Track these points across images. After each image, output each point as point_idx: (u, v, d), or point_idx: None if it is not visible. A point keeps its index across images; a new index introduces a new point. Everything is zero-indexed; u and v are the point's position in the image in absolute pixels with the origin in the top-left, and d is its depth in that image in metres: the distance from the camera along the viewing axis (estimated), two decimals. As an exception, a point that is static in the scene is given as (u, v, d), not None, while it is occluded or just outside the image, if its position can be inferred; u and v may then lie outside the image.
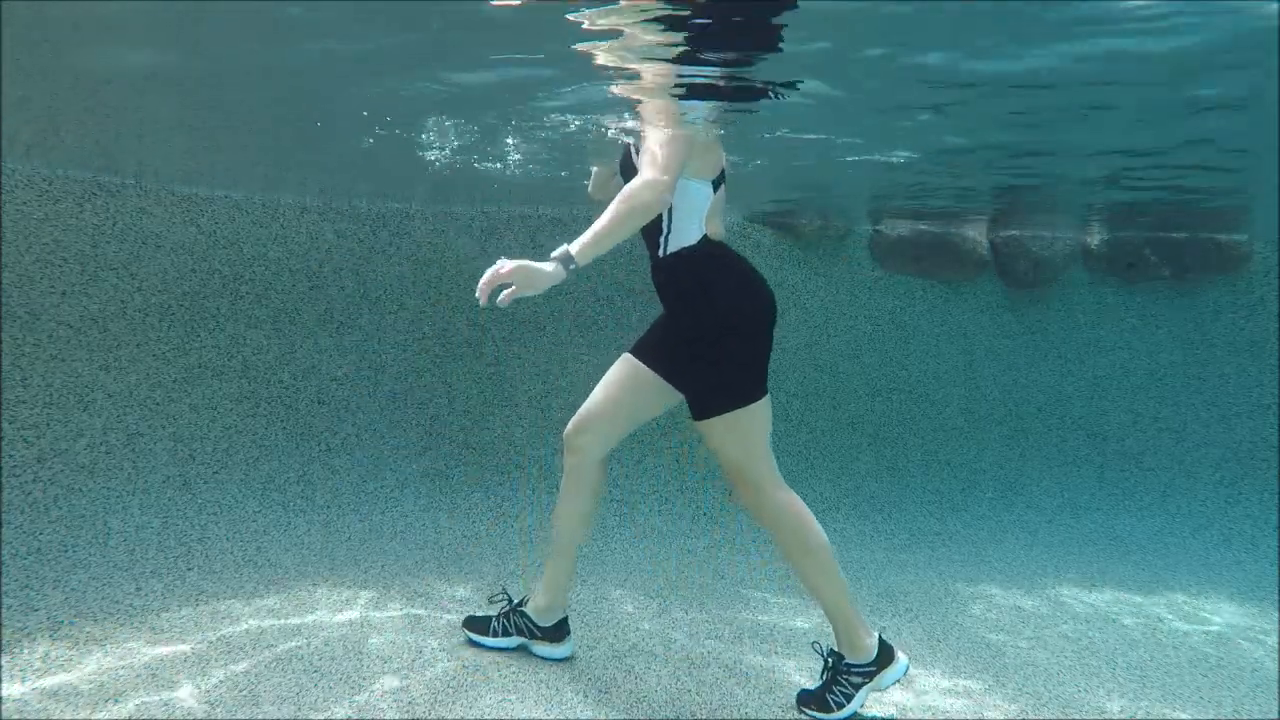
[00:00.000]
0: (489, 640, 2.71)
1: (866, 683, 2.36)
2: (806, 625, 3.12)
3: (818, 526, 2.32)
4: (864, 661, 2.35)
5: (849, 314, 5.08)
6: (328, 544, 3.62)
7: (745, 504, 2.37)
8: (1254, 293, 5.08)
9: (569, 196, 4.58)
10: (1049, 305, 5.22)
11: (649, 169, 2.08)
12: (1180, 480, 4.98)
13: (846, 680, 2.36)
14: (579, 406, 2.53)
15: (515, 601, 2.74)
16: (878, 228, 5.13)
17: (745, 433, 2.29)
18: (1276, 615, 3.58)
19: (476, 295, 2.02)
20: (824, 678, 2.41)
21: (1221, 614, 3.57)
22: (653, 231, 2.34)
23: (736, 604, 3.30)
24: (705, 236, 2.31)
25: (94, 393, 3.65)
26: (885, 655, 2.36)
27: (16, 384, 3.46)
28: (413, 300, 4.65)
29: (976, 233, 5.16)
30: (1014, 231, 5.13)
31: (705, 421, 2.30)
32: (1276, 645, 3.27)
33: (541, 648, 2.67)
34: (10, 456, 3.36)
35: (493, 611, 2.91)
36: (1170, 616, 3.51)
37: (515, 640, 2.70)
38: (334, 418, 4.34)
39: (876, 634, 2.39)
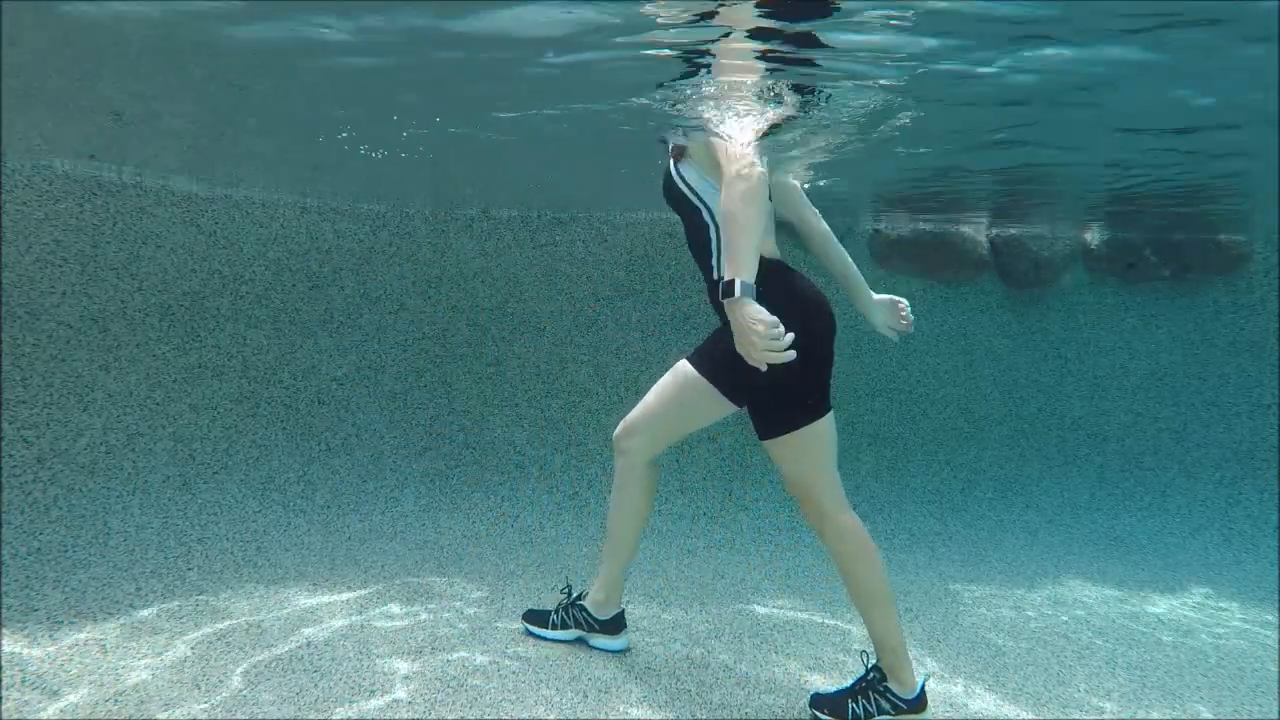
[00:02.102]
0: (548, 633, 2.80)
1: (891, 715, 2.30)
2: (806, 625, 3.12)
3: (877, 554, 2.29)
4: (903, 695, 2.30)
5: (849, 314, 5.07)
6: (328, 544, 3.62)
7: (809, 522, 2.34)
8: (1254, 293, 5.08)
9: (570, 204, 4.59)
10: (1049, 305, 5.22)
11: (728, 164, 2.03)
12: (1180, 480, 4.98)
13: (877, 698, 2.31)
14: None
15: (574, 596, 2.81)
16: (878, 228, 5.13)
17: (809, 452, 2.26)
18: (1276, 615, 3.58)
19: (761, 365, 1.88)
20: (854, 684, 2.36)
21: (1221, 614, 3.57)
22: (703, 254, 2.32)
23: (736, 604, 3.30)
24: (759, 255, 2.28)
25: (94, 393, 3.65)
26: (920, 702, 2.32)
27: (16, 384, 3.46)
28: (413, 300, 4.65)
29: (976, 233, 5.16)
30: (1014, 231, 5.13)
31: (770, 441, 2.28)
32: (1276, 645, 3.27)
33: (599, 640, 2.76)
34: (10, 456, 3.36)
35: (550, 606, 2.97)
36: (1170, 616, 3.51)
37: (574, 633, 2.78)
38: (334, 418, 4.34)
39: (921, 679, 2.35)
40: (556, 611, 2.80)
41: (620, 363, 4.75)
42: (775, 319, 1.87)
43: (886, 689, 2.31)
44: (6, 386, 3.43)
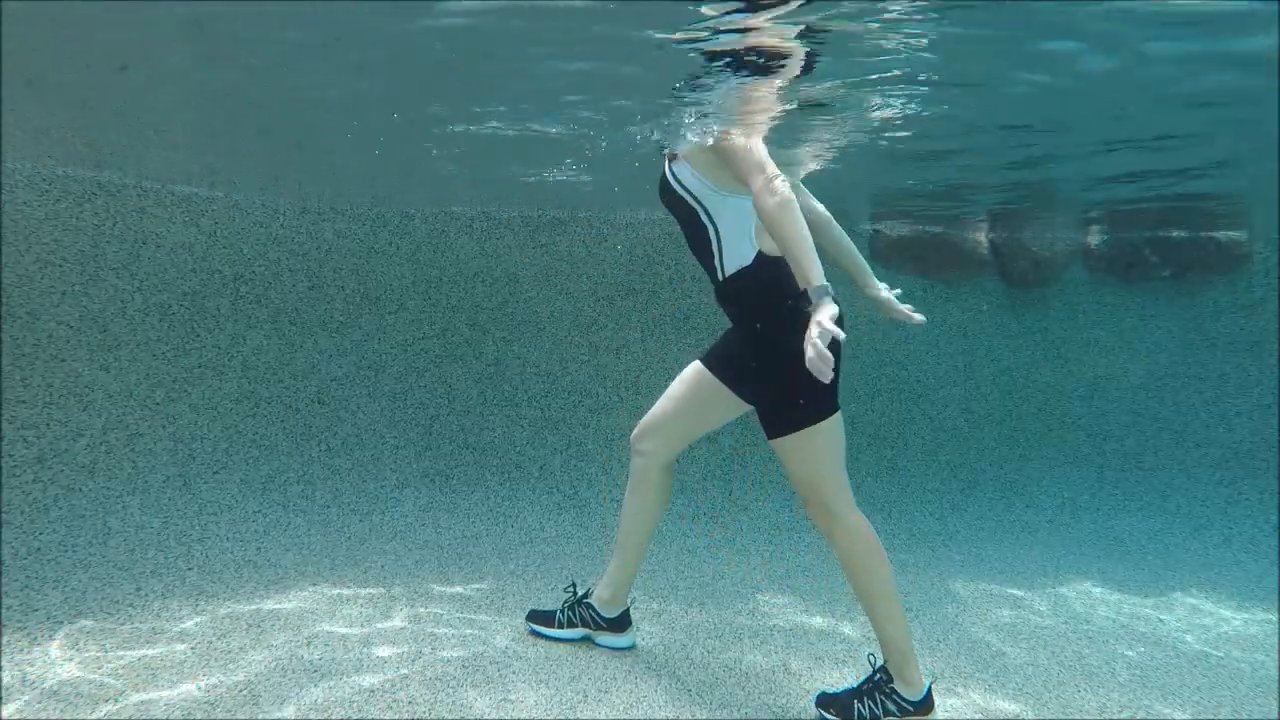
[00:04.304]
0: (554, 631, 2.80)
1: (897, 716, 2.30)
2: (806, 625, 3.12)
3: (884, 554, 2.29)
4: (909, 696, 2.29)
5: (849, 314, 5.06)
6: (328, 544, 3.62)
7: (816, 524, 2.33)
8: (1254, 293, 5.08)
9: (568, 200, 4.59)
10: (1049, 305, 5.22)
11: (754, 177, 2.05)
12: (1180, 480, 4.98)
13: (883, 699, 2.30)
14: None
15: (580, 594, 2.81)
16: (878, 228, 5.13)
17: (817, 450, 2.25)
18: (1276, 615, 3.58)
19: (824, 378, 1.87)
20: (860, 685, 2.36)
21: (1221, 614, 3.57)
22: (705, 255, 2.32)
23: (736, 604, 3.30)
24: (760, 252, 2.26)
25: (94, 393, 3.65)
26: (927, 704, 2.31)
27: (16, 384, 3.46)
28: (413, 300, 4.65)
29: (976, 233, 5.16)
30: (1014, 231, 5.13)
31: (778, 440, 2.27)
32: (1276, 645, 3.27)
33: (605, 638, 2.77)
34: (10, 456, 3.36)
35: (553, 606, 2.97)
36: (1169, 616, 3.51)
37: (580, 632, 2.79)
38: (334, 418, 4.34)
39: (929, 681, 2.34)
40: (563, 610, 2.81)
41: (620, 363, 4.75)
42: (839, 332, 1.85)
43: (893, 690, 2.30)
44: (6, 386, 3.43)
